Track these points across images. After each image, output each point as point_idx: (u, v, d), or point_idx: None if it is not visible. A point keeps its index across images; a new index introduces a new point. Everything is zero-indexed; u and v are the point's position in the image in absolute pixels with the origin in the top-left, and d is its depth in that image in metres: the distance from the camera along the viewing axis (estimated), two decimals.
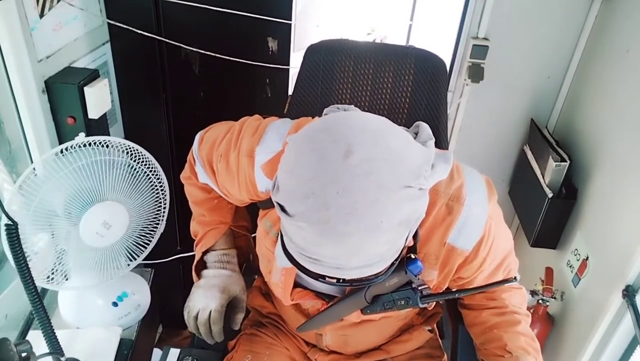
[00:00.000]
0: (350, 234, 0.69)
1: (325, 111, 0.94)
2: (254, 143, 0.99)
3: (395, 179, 0.70)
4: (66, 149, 1.06)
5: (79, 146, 1.07)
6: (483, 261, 0.97)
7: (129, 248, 1.21)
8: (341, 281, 0.78)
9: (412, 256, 0.89)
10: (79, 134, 1.08)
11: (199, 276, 1.20)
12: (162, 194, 1.21)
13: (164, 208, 1.23)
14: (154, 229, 1.23)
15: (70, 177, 1.05)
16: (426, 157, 0.76)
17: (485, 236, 0.94)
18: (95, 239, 1.10)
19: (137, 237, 1.21)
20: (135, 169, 1.14)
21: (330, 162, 0.69)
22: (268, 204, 1.01)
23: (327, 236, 0.69)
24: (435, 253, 0.95)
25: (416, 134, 0.85)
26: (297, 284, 1.05)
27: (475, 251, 0.95)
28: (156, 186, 1.19)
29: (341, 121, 0.75)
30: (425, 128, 0.86)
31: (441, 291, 1.03)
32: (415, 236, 0.89)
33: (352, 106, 0.93)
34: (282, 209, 0.73)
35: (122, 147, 1.12)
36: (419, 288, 0.91)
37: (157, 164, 1.18)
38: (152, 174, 1.18)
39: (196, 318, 1.13)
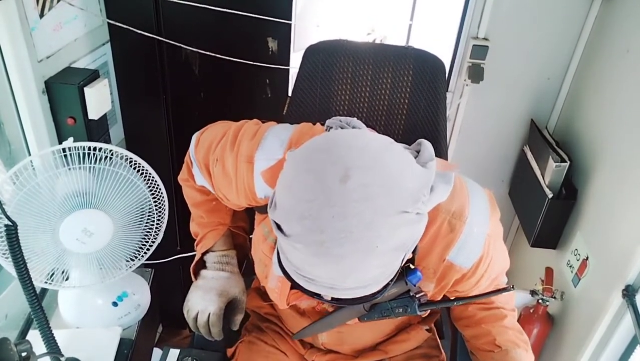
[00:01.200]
0: (345, 257, 0.69)
1: (327, 123, 0.94)
2: (253, 148, 0.98)
3: (391, 205, 0.70)
4: (62, 150, 1.06)
5: (69, 150, 1.06)
6: (480, 278, 0.98)
7: (128, 254, 1.21)
8: (336, 300, 0.79)
9: (412, 267, 0.89)
10: (68, 138, 1.08)
11: (197, 275, 1.20)
12: (159, 206, 1.20)
13: (161, 219, 1.21)
14: (151, 238, 1.22)
15: (55, 180, 1.05)
16: (425, 180, 0.76)
17: (484, 254, 0.95)
18: (75, 245, 1.10)
19: (134, 244, 1.20)
20: (130, 181, 1.12)
21: (327, 186, 0.69)
22: (266, 209, 1.01)
23: (322, 258, 0.70)
24: (433, 268, 0.96)
25: (418, 152, 0.84)
26: (291, 286, 1.05)
27: (474, 269, 0.96)
28: (148, 198, 1.17)
29: (341, 142, 0.75)
30: (427, 147, 0.85)
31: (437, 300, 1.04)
32: (414, 251, 0.89)
33: (355, 119, 0.93)
34: (279, 228, 0.74)
35: (118, 156, 1.11)
36: (417, 296, 0.93)
37: (156, 177, 1.16)
38: (147, 186, 1.16)
39: (196, 319, 1.14)
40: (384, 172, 0.71)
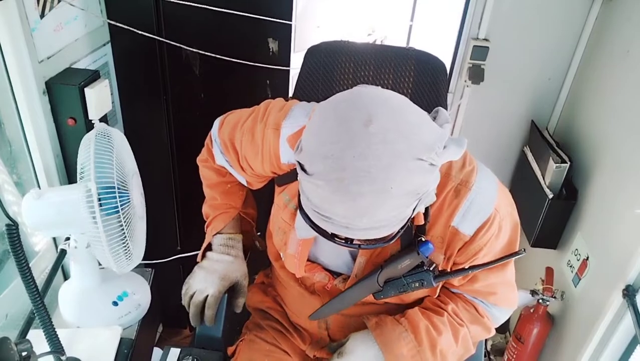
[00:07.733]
0: (361, 195, 0.74)
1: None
2: (281, 117, 1.05)
3: (408, 151, 0.75)
4: None
5: None
6: (479, 249, 0.99)
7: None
8: (349, 242, 0.83)
9: (423, 239, 0.95)
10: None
11: (204, 256, 1.23)
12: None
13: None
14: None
15: None
16: (440, 136, 0.81)
17: (487, 224, 0.97)
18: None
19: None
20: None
21: (351, 129, 0.75)
22: (286, 179, 1.07)
23: (340, 195, 0.75)
24: (441, 235, 0.99)
25: (434, 118, 0.89)
26: (308, 260, 1.10)
27: (474, 236, 0.98)
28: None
29: (365, 93, 0.81)
30: (443, 113, 0.90)
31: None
32: (426, 217, 0.95)
33: (379, 87, 0.96)
34: (302, 168, 0.79)
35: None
36: (430, 268, 0.98)
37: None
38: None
39: (192, 297, 1.16)
40: (404, 121, 0.77)
